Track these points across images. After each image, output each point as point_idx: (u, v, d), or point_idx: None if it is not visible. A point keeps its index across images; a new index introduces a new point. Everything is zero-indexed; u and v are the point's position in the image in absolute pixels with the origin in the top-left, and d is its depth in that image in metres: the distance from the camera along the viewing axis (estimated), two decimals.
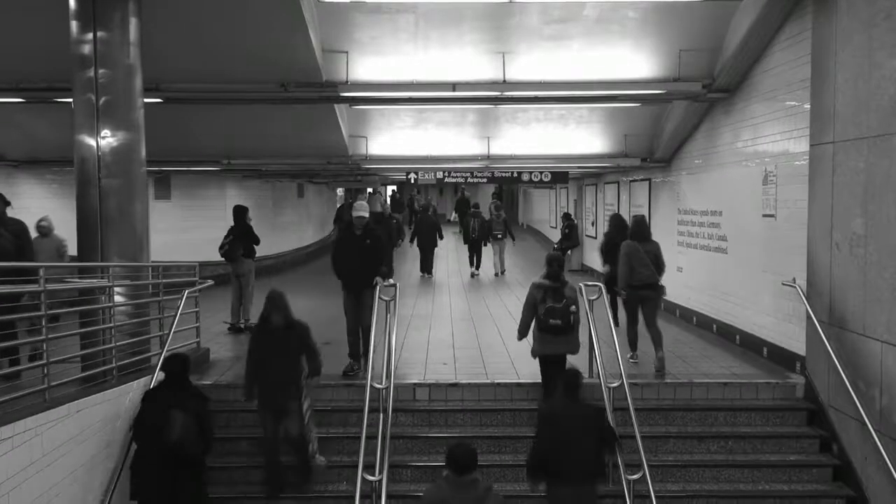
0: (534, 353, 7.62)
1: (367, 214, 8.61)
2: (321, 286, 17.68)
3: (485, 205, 22.61)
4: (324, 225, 29.04)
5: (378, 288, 8.14)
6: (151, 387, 6.81)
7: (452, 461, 4.79)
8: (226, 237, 11.35)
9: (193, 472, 6.15)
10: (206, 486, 6.42)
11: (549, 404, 6.49)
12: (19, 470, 5.21)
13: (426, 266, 18.34)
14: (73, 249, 7.69)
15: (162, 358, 6.90)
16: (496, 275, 18.25)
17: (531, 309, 7.43)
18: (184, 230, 18.19)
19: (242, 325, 11.13)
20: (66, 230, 8.87)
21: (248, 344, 7.24)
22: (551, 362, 7.45)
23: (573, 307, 7.33)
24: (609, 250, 10.12)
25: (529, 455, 5.92)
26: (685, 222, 12.10)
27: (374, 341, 7.43)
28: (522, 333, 7.68)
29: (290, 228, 23.66)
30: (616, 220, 10.62)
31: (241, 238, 11.32)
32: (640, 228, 8.92)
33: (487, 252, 18.70)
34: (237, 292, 11.27)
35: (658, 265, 8.70)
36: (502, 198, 32.94)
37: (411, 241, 18.89)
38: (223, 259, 11.40)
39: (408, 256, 21.64)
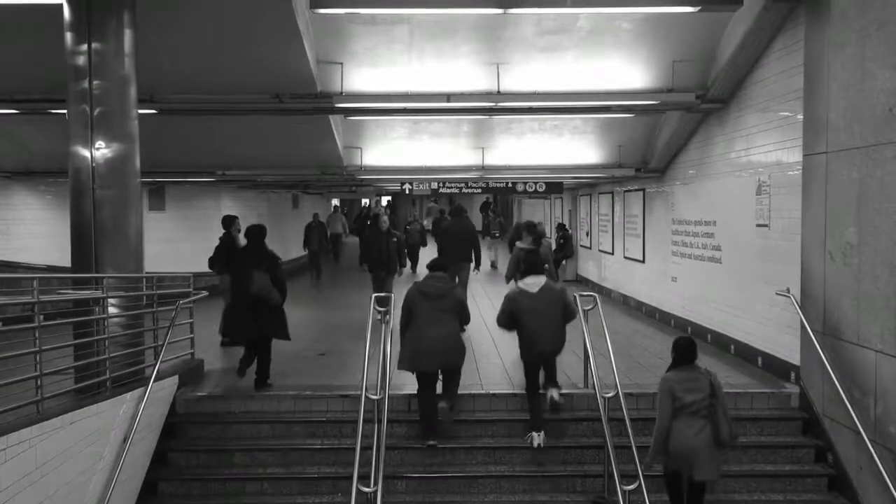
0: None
1: None
2: (315, 297, 17.69)
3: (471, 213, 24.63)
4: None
5: None
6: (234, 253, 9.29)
7: (430, 266, 7.95)
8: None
9: (274, 314, 8.32)
10: (286, 325, 8.44)
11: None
12: (12, 483, 5.18)
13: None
14: (67, 261, 7.66)
15: (245, 227, 9.03)
16: (492, 265, 20.88)
17: (515, 265, 9.48)
18: (178, 241, 18.15)
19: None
20: (61, 241, 8.85)
21: None
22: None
23: (546, 266, 9.07)
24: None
25: None
26: (679, 232, 12.12)
27: (369, 351, 7.42)
28: (508, 280, 9.88)
29: (287, 238, 23.64)
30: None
31: (220, 251, 10.94)
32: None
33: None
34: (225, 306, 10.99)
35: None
36: (497, 207, 33.74)
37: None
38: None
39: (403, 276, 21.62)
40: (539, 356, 7.73)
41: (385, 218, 12.75)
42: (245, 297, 8.21)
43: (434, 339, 7.40)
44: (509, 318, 7.73)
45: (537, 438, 7.53)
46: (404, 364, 7.58)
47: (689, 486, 6.07)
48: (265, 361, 8.43)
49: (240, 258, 8.77)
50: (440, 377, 7.71)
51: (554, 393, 7.83)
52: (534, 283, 7.73)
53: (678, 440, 5.99)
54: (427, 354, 7.44)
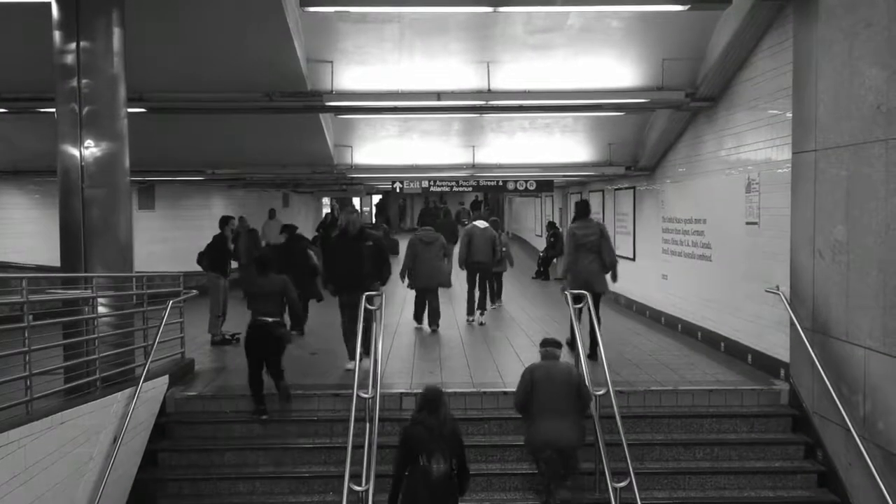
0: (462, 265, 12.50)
1: None
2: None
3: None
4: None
5: None
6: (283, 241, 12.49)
7: (422, 223, 12.28)
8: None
9: (314, 278, 11.49)
10: (318, 287, 11.40)
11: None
12: (1, 483, 5.15)
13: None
14: (56, 260, 7.62)
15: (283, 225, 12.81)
16: None
17: (466, 246, 12.38)
18: (168, 240, 18.10)
19: (230, 338, 10.97)
20: (50, 240, 8.81)
21: None
22: (477, 275, 12.58)
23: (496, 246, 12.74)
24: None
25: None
26: (669, 230, 12.16)
27: (360, 350, 7.41)
28: (460, 262, 12.42)
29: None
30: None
31: (210, 249, 11.09)
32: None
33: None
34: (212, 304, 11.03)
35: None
36: (487, 204, 34.16)
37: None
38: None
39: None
40: (476, 266, 12.28)
41: (355, 217, 9.31)
42: (303, 269, 11.42)
43: (428, 268, 11.45)
44: (467, 246, 12.27)
45: (478, 318, 12.37)
46: (412, 284, 11.62)
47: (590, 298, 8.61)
48: (304, 315, 11.30)
49: (289, 246, 12.02)
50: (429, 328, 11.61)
51: (497, 304, 13.67)
52: (482, 224, 12.69)
53: (580, 268, 9.13)
54: (425, 278, 11.49)
